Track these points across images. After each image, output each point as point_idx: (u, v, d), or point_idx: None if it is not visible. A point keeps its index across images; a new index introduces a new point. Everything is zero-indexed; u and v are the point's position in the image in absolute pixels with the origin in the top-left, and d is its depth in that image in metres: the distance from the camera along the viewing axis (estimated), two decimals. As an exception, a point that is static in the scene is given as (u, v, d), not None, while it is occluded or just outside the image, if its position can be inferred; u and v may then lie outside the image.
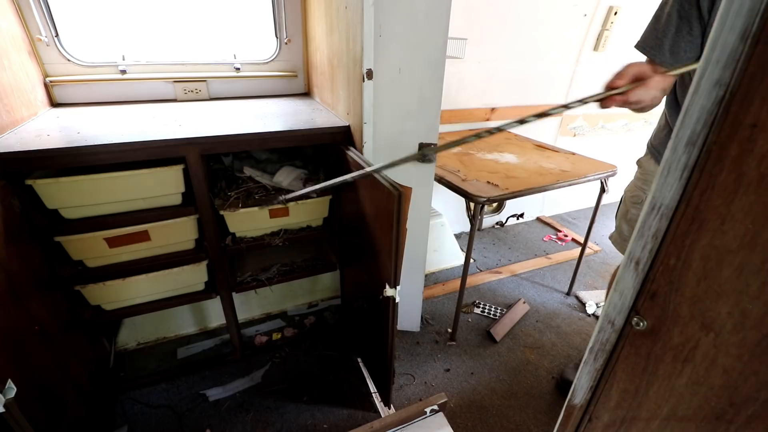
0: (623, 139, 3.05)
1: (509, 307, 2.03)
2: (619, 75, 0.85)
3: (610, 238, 1.41)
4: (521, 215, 2.94)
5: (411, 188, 0.98)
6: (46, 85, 1.44)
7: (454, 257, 2.41)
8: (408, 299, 1.75)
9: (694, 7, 0.89)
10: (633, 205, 1.27)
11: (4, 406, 0.77)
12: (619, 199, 1.39)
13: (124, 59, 1.53)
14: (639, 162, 1.30)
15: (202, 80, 1.63)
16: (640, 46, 1.00)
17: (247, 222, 1.42)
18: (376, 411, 1.48)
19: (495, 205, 2.84)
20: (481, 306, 2.04)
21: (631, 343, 0.51)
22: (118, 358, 1.62)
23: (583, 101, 0.78)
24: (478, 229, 2.82)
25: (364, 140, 1.24)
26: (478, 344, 1.81)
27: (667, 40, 0.94)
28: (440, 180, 1.60)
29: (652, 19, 0.99)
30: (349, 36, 1.18)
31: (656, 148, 1.21)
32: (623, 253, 1.33)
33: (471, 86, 2.27)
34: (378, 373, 1.49)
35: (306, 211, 1.49)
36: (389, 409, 1.47)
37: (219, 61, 1.66)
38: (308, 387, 1.56)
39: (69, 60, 1.45)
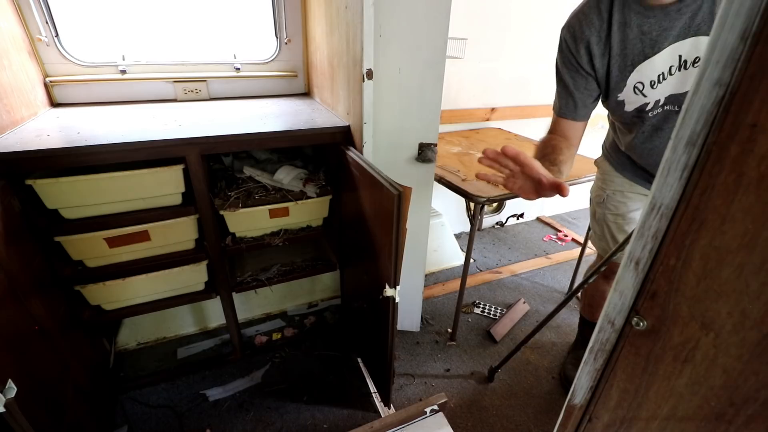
0: (623, 139, 3.06)
1: (509, 307, 2.03)
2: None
3: (590, 238, 1.48)
4: (521, 215, 2.94)
5: (411, 188, 0.98)
6: (46, 85, 1.44)
7: (454, 257, 2.41)
8: (408, 299, 1.75)
9: (579, 69, 1.05)
10: (598, 204, 1.34)
11: (5, 406, 0.77)
12: (589, 201, 1.46)
13: (124, 59, 1.53)
14: (596, 163, 1.39)
15: (202, 80, 1.63)
16: (556, 111, 1.13)
17: (247, 222, 1.42)
18: (376, 411, 1.48)
19: (495, 205, 2.84)
20: (481, 306, 2.04)
21: (631, 343, 0.51)
22: (118, 358, 1.62)
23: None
24: (478, 229, 2.82)
25: (364, 140, 1.24)
26: (478, 344, 1.81)
27: (572, 100, 1.09)
28: (440, 180, 1.60)
29: (557, 87, 1.12)
30: (349, 36, 1.18)
31: (608, 150, 1.31)
32: (600, 251, 1.41)
33: (471, 86, 2.27)
34: (378, 373, 1.49)
35: (306, 211, 1.49)
36: (389, 409, 1.47)
37: (219, 61, 1.66)
38: (308, 387, 1.56)
39: (69, 60, 1.45)
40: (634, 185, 1.22)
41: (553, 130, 1.14)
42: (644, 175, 1.18)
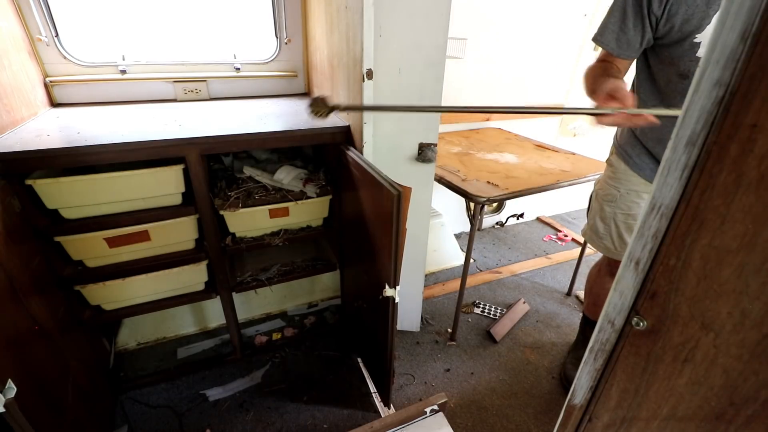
0: (623, 139, 3.06)
1: (509, 307, 2.03)
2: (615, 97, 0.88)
3: (583, 234, 1.45)
4: (521, 215, 2.94)
5: (410, 188, 0.98)
6: (46, 85, 1.44)
7: (454, 257, 2.41)
8: (408, 299, 1.75)
9: (638, 5, 1.00)
10: (607, 203, 1.31)
11: (4, 406, 0.77)
12: (589, 197, 1.43)
13: (124, 59, 1.53)
14: (608, 161, 1.35)
15: (202, 80, 1.63)
16: (608, 47, 1.09)
17: (247, 222, 1.42)
18: (376, 411, 1.48)
19: (495, 205, 2.84)
20: (481, 306, 2.04)
21: (631, 343, 0.51)
22: (118, 358, 1.62)
23: (577, 111, 0.85)
24: (478, 229, 2.82)
25: (364, 140, 1.24)
26: (478, 344, 1.81)
27: (612, 31, 1.06)
28: (440, 180, 1.60)
29: (611, 19, 1.08)
30: (349, 36, 1.18)
31: (623, 147, 1.26)
32: (598, 249, 1.38)
33: (471, 86, 2.27)
34: (378, 373, 1.49)
35: (306, 211, 1.49)
36: (389, 409, 1.47)
37: (219, 61, 1.66)
38: (308, 387, 1.56)
39: (69, 60, 1.45)
40: (649, 185, 1.19)
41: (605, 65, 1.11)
42: None
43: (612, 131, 1.38)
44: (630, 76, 1.18)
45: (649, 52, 1.10)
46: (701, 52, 0.98)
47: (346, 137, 1.35)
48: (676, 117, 0.39)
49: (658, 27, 1.01)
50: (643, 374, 0.51)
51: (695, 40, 0.98)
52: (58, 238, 1.16)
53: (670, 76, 1.07)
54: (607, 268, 1.44)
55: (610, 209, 1.29)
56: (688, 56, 1.01)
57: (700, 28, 0.96)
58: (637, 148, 1.20)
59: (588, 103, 1.04)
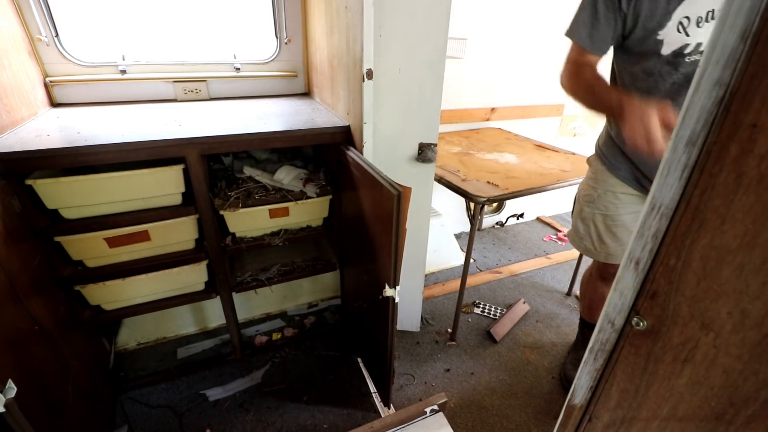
0: (623, 139, 3.05)
1: (509, 307, 2.03)
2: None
3: (567, 236, 1.44)
4: (521, 215, 2.94)
5: (410, 188, 0.98)
6: (46, 85, 1.44)
7: (454, 257, 2.41)
8: (408, 299, 1.75)
9: (609, 1, 0.99)
10: (586, 204, 1.31)
11: (4, 406, 0.77)
12: (573, 198, 1.44)
13: (124, 59, 1.53)
14: (589, 161, 1.36)
15: (202, 80, 1.63)
16: (586, 44, 1.06)
17: (247, 222, 1.42)
18: (376, 411, 1.48)
19: (495, 205, 2.84)
20: (481, 306, 2.04)
21: (631, 343, 0.51)
22: (118, 358, 1.62)
23: None
24: (478, 229, 2.82)
25: (364, 140, 1.24)
26: (478, 344, 1.81)
27: (585, 27, 1.04)
28: (440, 180, 1.60)
29: (577, 9, 1.06)
30: (349, 36, 1.18)
31: (602, 149, 1.28)
32: (579, 250, 1.38)
33: (471, 86, 2.27)
34: (378, 373, 1.49)
35: (306, 211, 1.49)
36: (389, 409, 1.47)
37: (219, 61, 1.66)
38: (308, 387, 1.56)
39: (69, 60, 1.45)
40: (626, 186, 1.20)
41: (583, 63, 1.07)
42: (636, 173, 1.17)
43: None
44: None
45: (613, 49, 1.09)
46: (665, 50, 0.98)
47: (346, 137, 1.35)
48: None
49: (626, 23, 1.01)
50: (643, 374, 0.51)
51: (658, 38, 0.98)
52: (58, 238, 1.16)
53: (635, 73, 1.07)
54: (598, 272, 1.44)
55: (589, 209, 1.30)
56: (652, 55, 1.01)
57: (661, 26, 0.96)
58: (613, 149, 1.22)
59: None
